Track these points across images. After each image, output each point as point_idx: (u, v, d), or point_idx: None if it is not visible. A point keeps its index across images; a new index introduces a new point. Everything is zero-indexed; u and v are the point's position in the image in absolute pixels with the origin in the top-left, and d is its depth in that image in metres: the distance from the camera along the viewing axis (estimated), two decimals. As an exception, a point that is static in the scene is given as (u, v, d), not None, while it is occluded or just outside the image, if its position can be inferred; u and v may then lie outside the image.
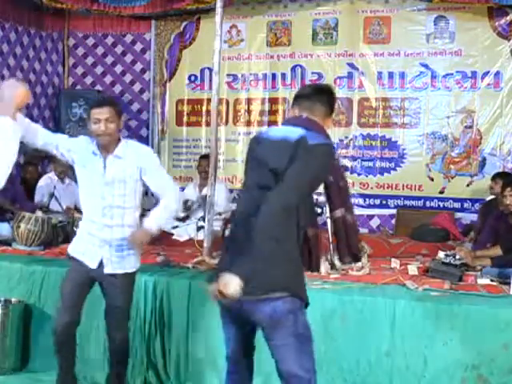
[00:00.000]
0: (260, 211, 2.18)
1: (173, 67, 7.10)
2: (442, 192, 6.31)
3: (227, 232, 2.51)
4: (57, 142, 3.12)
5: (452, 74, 6.24)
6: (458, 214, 6.17)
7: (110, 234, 3.04)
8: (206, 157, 5.87)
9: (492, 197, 5.37)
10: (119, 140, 3.07)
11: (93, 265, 3.05)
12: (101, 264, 3.05)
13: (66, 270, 3.17)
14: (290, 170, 2.24)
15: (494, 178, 5.40)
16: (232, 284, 2.13)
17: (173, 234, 5.55)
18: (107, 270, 3.05)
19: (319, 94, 2.52)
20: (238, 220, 2.45)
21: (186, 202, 5.86)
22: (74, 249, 3.15)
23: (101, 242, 3.04)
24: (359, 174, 6.53)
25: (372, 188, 6.49)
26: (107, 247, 3.04)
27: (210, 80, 5.87)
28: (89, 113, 3.04)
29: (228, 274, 2.16)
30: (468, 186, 6.24)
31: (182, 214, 5.90)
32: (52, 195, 5.33)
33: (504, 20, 6.01)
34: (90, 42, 7.35)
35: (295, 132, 2.34)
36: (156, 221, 3.03)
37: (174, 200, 3.12)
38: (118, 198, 3.04)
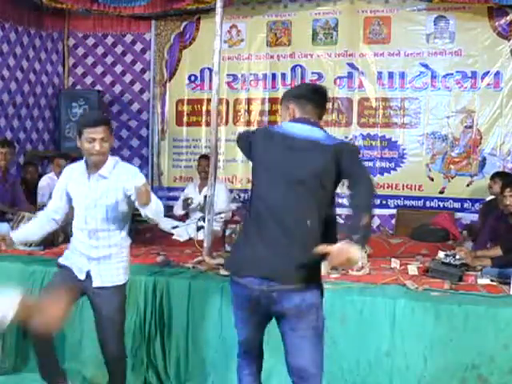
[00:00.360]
0: (360, 195, 2.48)
1: (173, 67, 7.10)
2: (442, 192, 6.32)
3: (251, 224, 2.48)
4: (59, 205, 3.15)
5: (452, 74, 6.24)
6: (458, 214, 6.18)
7: (97, 253, 3.01)
8: (205, 157, 5.88)
9: (492, 197, 5.38)
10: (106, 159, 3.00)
11: (81, 276, 3.02)
12: (88, 277, 3.01)
13: (53, 273, 3.15)
14: (355, 167, 2.47)
15: (493, 177, 5.40)
16: (358, 252, 2.18)
17: (173, 234, 5.56)
18: (96, 283, 3.01)
19: (320, 99, 2.58)
20: (280, 213, 2.39)
21: (186, 199, 5.87)
22: (63, 259, 3.13)
23: (89, 259, 3.02)
24: (359, 174, 6.51)
25: (372, 188, 6.48)
26: (95, 262, 3.02)
27: (210, 80, 5.87)
28: (80, 130, 2.95)
29: (354, 245, 2.17)
30: (468, 186, 6.24)
31: (181, 212, 5.92)
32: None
33: (504, 20, 6.01)
34: (90, 41, 7.35)
35: (321, 134, 2.47)
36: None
37: (161, 206, 2.98)
38: (101, 222, 2.99)
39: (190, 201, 5.81)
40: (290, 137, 2.46)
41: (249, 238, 2.47)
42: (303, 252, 2.33)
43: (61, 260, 3.14)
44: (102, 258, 3.01)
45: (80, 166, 3.07)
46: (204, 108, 6.96)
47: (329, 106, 6.58)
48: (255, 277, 2.38)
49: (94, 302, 3.06)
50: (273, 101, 6.77)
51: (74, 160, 3.40)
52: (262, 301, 2.39)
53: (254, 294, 2.40)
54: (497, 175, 5.38)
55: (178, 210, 5.94)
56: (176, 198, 6.37)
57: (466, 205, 6.22)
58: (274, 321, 2.57)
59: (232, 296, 2.56)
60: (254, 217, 2.47)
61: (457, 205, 6.25)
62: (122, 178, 2.95)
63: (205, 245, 4.16)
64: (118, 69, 7.29)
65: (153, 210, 2.86)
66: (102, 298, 3.02)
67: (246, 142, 2.62)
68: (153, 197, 2.86)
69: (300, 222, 2.38)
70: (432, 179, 6.34)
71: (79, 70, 7.41)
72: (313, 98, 2.55)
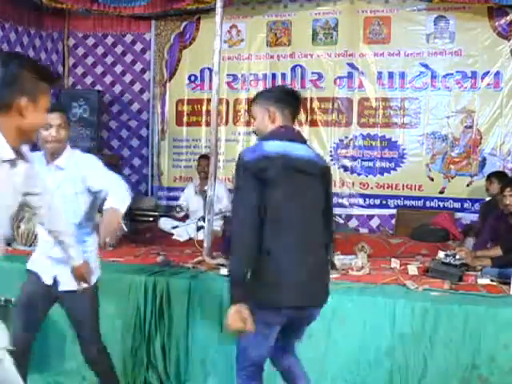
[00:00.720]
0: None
1: (173, 67, 7.10)
2: (442, 192, 6.31)
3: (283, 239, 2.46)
4: None
5: (452, 74, 6.24)
6: (458, 214, 6.18)
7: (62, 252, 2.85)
8: (204, 157, 5.89)
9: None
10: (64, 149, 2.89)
11: (48, 281, 2.92)
12: (55, 281, 2.91)
13: (22, 283, 3.03)
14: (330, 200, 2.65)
15: (489, 177, 5.39)
16: None
17: (173, 234, 5.56)
18: (62, 287, 2.90)
19: (297, 103, 2.65)
20: (309, 238, 2.51)
21: (176, 207, 5.89)
22: (30, 263, 3.04)
23: (55, 261, 2.88)
24: (359, 174, 6.53)
25: (372, 188, 6.49)
26: (62, 265, 2.84)
27: (210, 80, 5.87)
28: None
29: None
30: (468, 185, 6.24)
31: (181, 215, 5.93)
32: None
33: (504, 20, 6.01)
34: (90, 41, 7.35)
35: (312, 152, 2.62)
36: (116, 200, 2.59)
37: (124, 187, 2.73)
38: None
39: (179, 208, 5.84)
40: (299, 160, 2.48)
41: (286, 268, 2.44)
42: (328, 274, 2.66)
43: (29, 265, 3.04)
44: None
45: (39, 155, 2.91)
46: (204, 108, 6.95)
47: (329, 105, 6.59)
48: (302, 307, 2.51)
49: (65, 306, 2.98)
50: (273, 101, 6.76)
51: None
52: (303, 319, 2.61)
53: (296, 316, 2.53)
54: (493, 175, 5.37)
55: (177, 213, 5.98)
56: (176, 198, 6.38)
57: (466, 205, 6.22)
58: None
59: (259, 321, 2.45)
60: (285, 246, 2.44)
61: (457, 205, 6.24)
62: (81, 171, 2.84)
63: (205, 245, 4.16)
64: (118, 69, 7.29)
65: (122, 199, 2.61)
66: (71, 302, 2.93)
67: (255, 180, 2.42)
68: (119, 196, 2.62)
69: (322, 249, 2.59)
70: (432, 179, 6.34)
71: (79, 70, 7.41)
72: (291, 102, 2.60)
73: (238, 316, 2.35)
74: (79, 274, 2.64)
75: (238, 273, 2.41)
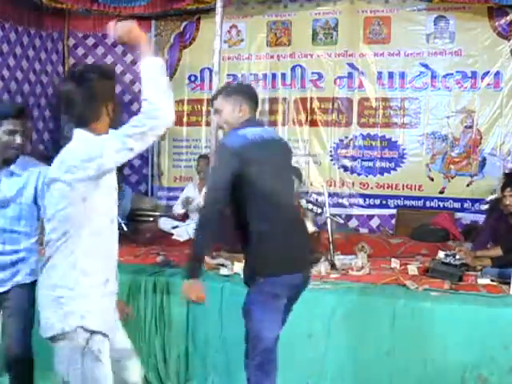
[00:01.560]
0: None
1: (173, 67, 7.10)
2: (442, 192, 6.31)
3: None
4: None
5: (452, 74, 6.23)
6: (458, 214, 6.17)
7: (3, 259, 2.76)
8: (204, 157, 5.89)
9: (493, 196, 5.36)
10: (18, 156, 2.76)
11: None
12: None
13: None
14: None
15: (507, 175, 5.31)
16: None
17: (173, 234, 5.56)
18: None
19: (258, 101, 2.95)
20: (293, 212, 2.86)
21: (187, 198, 5.88)
22: None
23: None
24: (359, 174, 6.53)
25: (372, 188, 6.49)
26: (0, 272, 2.77)
27: (210, 80, 5.86)
28: None
29: None
30: (468, 185, 6.23)
31: (181, 211, 5.92)
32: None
33: (504, 20, 6.00)
34: (90, 41, 7.34)
35: (272, 132, 3.13)
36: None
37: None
38: (11, 220, 2.75)
39: (190, 199, 5.82)
40: (271, 141, 2.82)
41: (279, 240, 2.67)
42: (308, 243, 2.96)
43: None
44: (8, 265, 2.78)
45: None
46: (204, 108, 6.95)
47: (329, 105, 6.59)
48: (300, 271, 2.75)
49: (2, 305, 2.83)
50: (273, 101, 6.76)
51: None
52: (300, 286, 2.77)
53: (296, 282, 2.72)
54: (510, 174, 5.29)
55: (178, 208, 5.96)
56: (176, 198, 6.37)
57: (465, 205, 6.21)
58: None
59: (268, 295, 2.63)
60: (275, 221, 2.68)
61: (457, 205, 6.24)
62: (36, 176, 2.77)
63: (205, 245, 4.15)
64: (118, 69, 7.28)
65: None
66: (3, 303, 2.80)
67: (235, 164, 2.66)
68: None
69: (299, 217, 3.01)
70: (432, 179, 6.33)
71: (79, 70, 7.39)
72: (256, 101, 2.91)
73: (194, 289, 2.63)
74: (121, 308, 2.47)
75: (202, 248, 2.78)
